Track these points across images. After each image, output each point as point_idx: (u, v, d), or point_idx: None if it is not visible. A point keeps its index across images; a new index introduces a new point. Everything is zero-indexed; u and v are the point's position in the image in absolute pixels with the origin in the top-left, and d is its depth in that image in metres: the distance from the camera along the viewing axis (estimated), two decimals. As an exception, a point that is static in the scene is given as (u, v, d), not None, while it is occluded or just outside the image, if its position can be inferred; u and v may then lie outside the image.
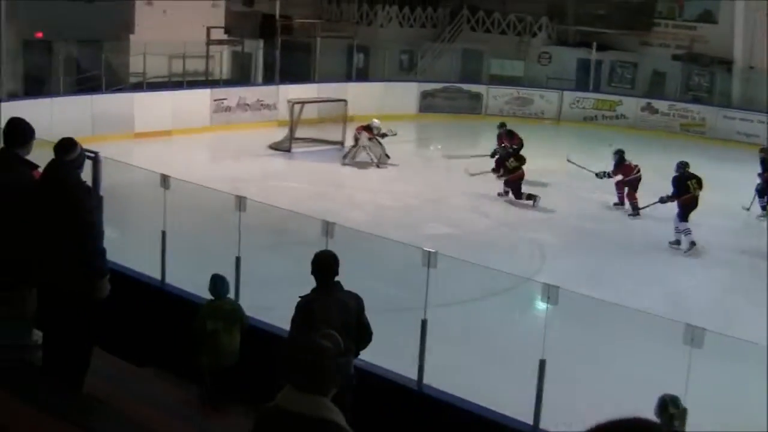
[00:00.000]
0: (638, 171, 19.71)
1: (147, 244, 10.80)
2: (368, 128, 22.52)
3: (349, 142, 23.74)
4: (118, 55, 25.73)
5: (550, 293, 7.39)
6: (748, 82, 29.97)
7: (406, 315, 9.09)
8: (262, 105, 26.56)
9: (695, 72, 31.58)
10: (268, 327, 8.93)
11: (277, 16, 29.81)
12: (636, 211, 19.18)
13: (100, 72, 24.14)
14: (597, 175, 19.88)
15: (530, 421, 7.42)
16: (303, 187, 19.59)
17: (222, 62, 28.74)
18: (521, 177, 19.69)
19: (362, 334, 6.72)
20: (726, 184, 21.18)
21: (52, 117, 19.64)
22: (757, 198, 20.02)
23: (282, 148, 23.70)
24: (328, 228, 8.40)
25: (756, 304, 13.30)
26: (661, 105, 30.46)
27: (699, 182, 17.47)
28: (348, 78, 30.29)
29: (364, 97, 27.51)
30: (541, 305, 7.78)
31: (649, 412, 6.72)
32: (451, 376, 8.70)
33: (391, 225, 16.44)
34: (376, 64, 32.47)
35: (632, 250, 16.90)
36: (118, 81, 25.49)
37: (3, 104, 20.14)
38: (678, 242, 17.04)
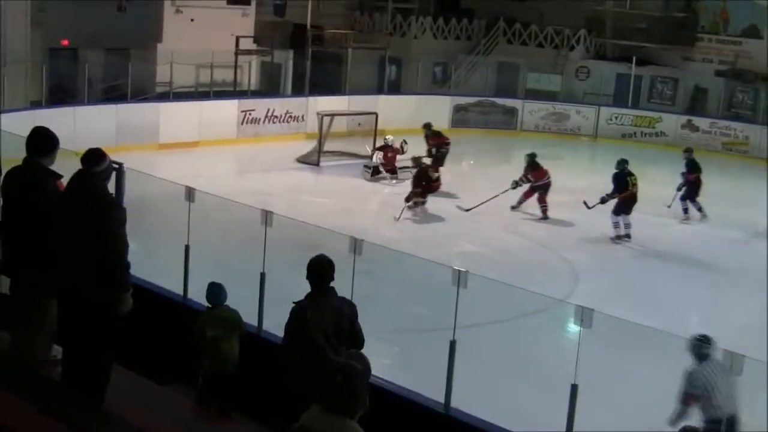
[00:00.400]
0: (548, 177, 20.20)
1: (170, 259, 10.87)
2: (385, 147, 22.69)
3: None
4: (145, 64, 25.97)
5: (584, 316, 7.37)
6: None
7: (435, 335, 9.10)
8: (290, 117, 26.67)
9: (739, 88, 31.43)
10: (266, 334, 9.00)
11: (308, 26, 29.98)
12: (545, 215, 19.73)
13: (126, 81, 24.36)
14: (513, 185, 20.31)
15: (561, 447, 7.39)
16: (331, 202, 19.65)
17: (250, 73, 28.91)
18: (437, 188, 20.03)
19: (355, 341, 6.72)
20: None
21: (76, 126, 19.86)
22: (678, 198, 20.82)
23: (310, 161, 23.79)
24: (356, 245, 8.41)
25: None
26: (702, 122, 30.32)
27: (635, 179, 18.98)
28: (379, 90, 30.40)
29: (395, 110, 27.58)
30: (574, 328, 7.74)
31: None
32: (480, 399, 8.70)
33: (421, 242, 16.45)
34: (408, 77, 32.56)
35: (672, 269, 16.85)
36: (144, 90, 25.74)
37: (26, 113, 20.38)
38: (619, 237, 18.30)
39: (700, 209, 20.60)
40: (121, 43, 25.38)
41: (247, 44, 28.91)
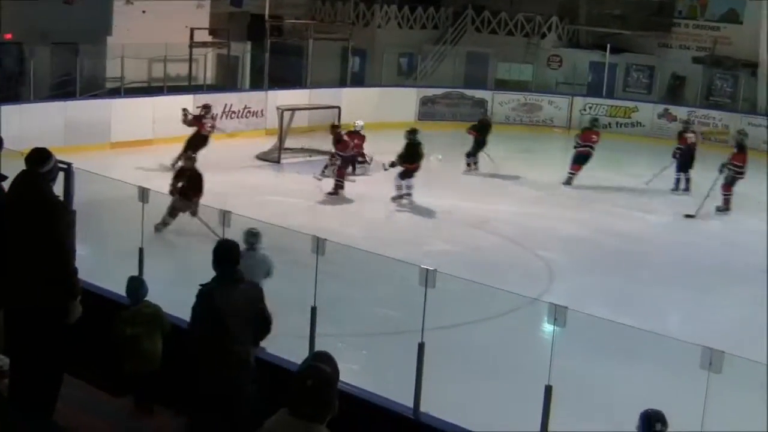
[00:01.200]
0: (354, 148, 21.28)
1: (123, 262, 10.83)
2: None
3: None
4: (95, 59, 25.83)
5: (557, 314, 7.42)
6: (776, 87, 30.10)
7: (404, 338, 9.12)
8: (249, 112, 26.63)
9: (717, 76, 31.70)
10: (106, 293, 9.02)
11: (267, 17, 29.88)
12: (336, 191, 20.60)
13: (74, 77, 24.22)
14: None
15: (536, 452, 7.44)
16: (293, 201, 19.64)
17: (206, 66, 28.81)
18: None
19: (262, 324, 7.04)
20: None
21: (22, 125, 19.71)
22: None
23: (270, 158, 23.75)
24: (318, 244, 8.43)
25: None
26: (680, 112, 30.51)
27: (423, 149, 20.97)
28: (342, 83, 30.40)
29: (359, 104, 27.59)
30: (549, 327, 7.80)
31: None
32: (451, 403, 8.73)
33: (388, 241, 16.47)
34: (372, 69, 32.59)
35: (652, 268, 16.98)
36: (94, 86, 25.59)
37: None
38: (400, 197, 20.15)
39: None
40: (69, 36, 25.19)
41: (203, 36, 28.80)
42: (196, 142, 21.16)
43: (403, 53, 33.82)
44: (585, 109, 31.17)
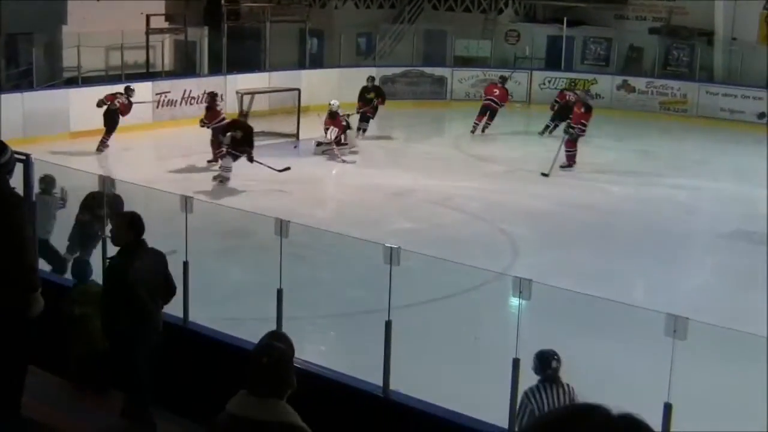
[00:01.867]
0: (223, 119, 21.54)
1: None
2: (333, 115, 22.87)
3: (306, 133, 23.86)
4: (50, 49, 25.59)
5: (522, 287, 7.46)
6: (731, 55, 30.27)
7: (372, 317, 9.15)
8: (209, 97, 26.48)
9: (674, 46, 31.83)
10: (192, 326, 9.02)
11: (223, 1, 29.72)
12: (214, 160, 21.09)
13: (30, 67, 23.99)
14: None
15: (505, 425, 7.49)
16: (256, 185, 19.58)
17: (164, 53, 28.59)
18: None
19: (169, 290, 7.64)
20: (730, 169, 21.56)
21: (-23, 118, 19.49)
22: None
23: (232, 143, 23.63)
24: (282, 226, 8.42)
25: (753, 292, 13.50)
26: (638, 83, 30.67)
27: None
28: (301, 65, 30.28)
29: (319, 85, 27.55)
30: (514, 301, 7.84)
31: (630, 409, 6.81)
32: (420, 380, 8.78)
33: (352, 222, 16.49)
34: (331, 50, 32.46)
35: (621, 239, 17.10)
36: (51, 76, 25.36)
37: None
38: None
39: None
40: (23, 26, 24.93)
41: (159, 23, 28.57)
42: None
43: (360, 33, 33.72)
44: (544, 83, 31.24)
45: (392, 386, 7.93)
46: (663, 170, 22.35)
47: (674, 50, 31.82)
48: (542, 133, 25.51)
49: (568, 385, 7.83)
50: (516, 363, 7.44)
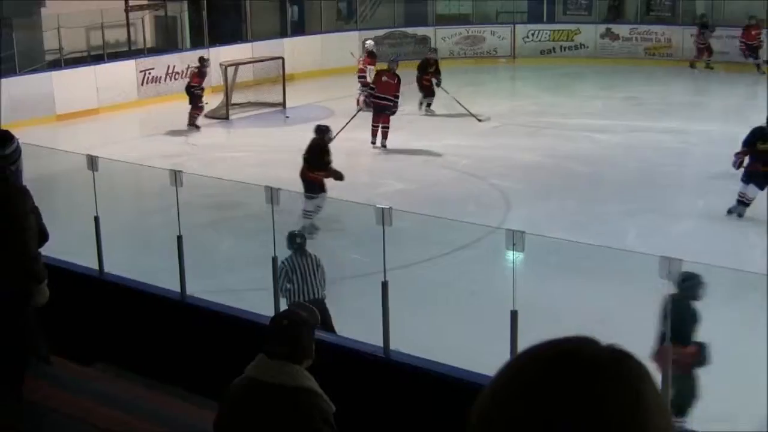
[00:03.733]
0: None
1: (81, 233, 10.77)
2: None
3: (293, 101, 23.83)
4: (30, 32, 25.43)
5: (515, 239, 7.48)
6: (713, -2, 30.22)
7: (369, 280, 9.18)
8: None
9: (656, -9, 31.73)
10: (191, 299, 9.02)
11: (201, -26, 29.53)
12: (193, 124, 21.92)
13: (12, 52, 23.85)
14: None
15: (507, 377, 7.51)
16: (247, 156, 19.55)
17: (145, 30, 28.44)
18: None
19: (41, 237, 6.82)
20: (718, 110, 21.55)
21: (-37, 106, 19.43)
22: None
23: (219, 115, 23.60)
24: (272, 195, 8.42)
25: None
26: (622, 30, 30.58)
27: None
28: (283, 34, 30.11)
29: (302, 53, 27.49)
30: (509, 254, 7.86)
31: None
32: (421, 339, 8.82)
33: (344, 187, 16.47)
34: (312, 16, 32.29)
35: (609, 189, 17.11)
36: (33, 60, 25.22)
37: None
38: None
39: None
40: (1, 11, 24.78)
41: (138, 0, 28.43)
42: None
43: (341, -3, 33.57)
44: (528, 36, 31.17)
45: (392, 346, 7.97)
46: (651, 115, 22.33)
47: (656, -6, 31.71)
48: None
49: (315, 255, 10.13)
50: (514, 315, 7.47)
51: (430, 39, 30.96)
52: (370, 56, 23.56)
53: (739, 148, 14.52)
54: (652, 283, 7.34)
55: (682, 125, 21.16)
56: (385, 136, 19.89)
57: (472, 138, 20.67)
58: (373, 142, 19.94)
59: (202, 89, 22.70)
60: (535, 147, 19.67)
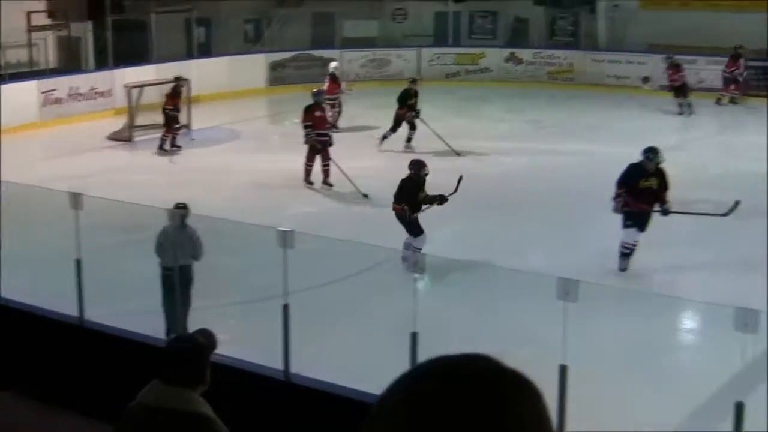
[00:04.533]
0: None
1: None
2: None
3: (198, 123, 23.68)
4: (-72, 53, 24.92)
5: (419, 263, 7.55)
6: (614, 22, 30.81)
7: (274, 303, 9.15)
8: (96, 93, 26.05)
9: (558, 15, 32.25)
10: (88, 324, 8.93)
11: (106, -6, 29.21)
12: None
13: None
14: None
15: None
16: (150, 178, 19.37)
17: (47, 50, 28.05)
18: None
19: None
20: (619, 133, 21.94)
21: None
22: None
23: (122, 137, 23.35)
24: (174, 217, 8.37)
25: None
26: (525, 54, 31.07)
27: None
28: (189, 55, 29.94)
29: (208, 75, 27.32)
30: (415, 276, 7.91)
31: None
32: (322, 361, 8.82)
33: (250, 210, 16.41)
34: (218, 38, 32.17)
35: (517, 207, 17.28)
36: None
37: None
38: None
39: None
40: None
41: (41, 19, 27.98)
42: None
43: (248, 19, 33.38)
44: (433, 59, 31.46)
45: (294, 369, 7.95)
46: (555, 138, 22.67)
47: (559, 20, 32.24)
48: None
49: (193, 228, 10.45)
50: (414, 337, 7.52)
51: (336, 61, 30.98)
52: (333, 79, 23.36)
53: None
54: (553, 303, 7.45)
55: (584, 147, 21.51)
56: (328, 173, 18.78)
57: (381, 159, 20.69)
58: (311, 182, 18.83)
59: (178, 110, 22.28)
60: (443, 168, 19.74)
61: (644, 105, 26.21)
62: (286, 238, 7.78)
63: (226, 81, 27.52)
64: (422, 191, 13.81)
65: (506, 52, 31.33)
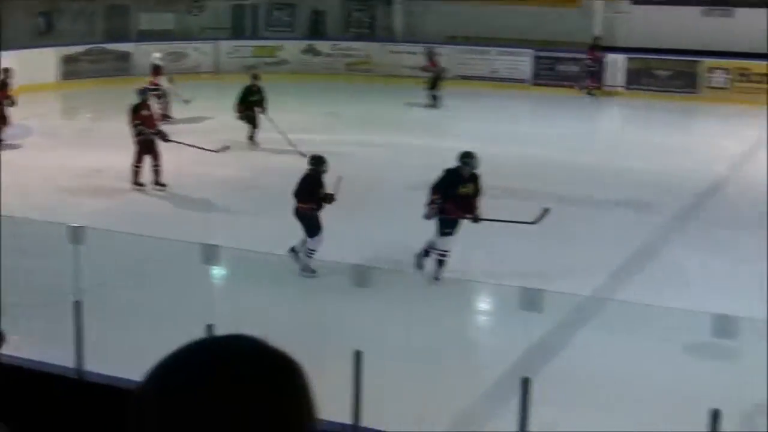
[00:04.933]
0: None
1: None
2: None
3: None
4: None
5: (210, 254, 7.53)
6: (410, 15, 31.38)
7: (67, 302, 8.95)
8: None
9: (355, 8, 32.62)
10: None
11: None
12: None
13: None
14: None
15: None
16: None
17: None
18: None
19: None
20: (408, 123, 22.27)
21: None
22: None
23: None
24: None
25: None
26: (323, 46, 31.32)
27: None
28: (-23, 49, 28.81)
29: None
30: (210, 269, 7.89)
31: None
32: (118, 356, 8.68)
33: (40, 205, 15.97)
34: (8, 30, 31.05)
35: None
36: None
37: None
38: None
39: None
40: None
41: None
42: None
43: (39, 12, 32.38)
44: (231, 52, 31.31)
45: (89, 367, 7.82)
46: (351, 130, 22.92)
47: (355, 12, 32.62)
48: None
49: None
50: (210, 328, 7.49)
51: (132, 55, 30.43)
52: (156, 70, 22.78)
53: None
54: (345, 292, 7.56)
55: (381, 138, 21.83)
56: (160, 173, 18.09)
57: (177, 154, 20.41)
58: (141, 183, 18.11)
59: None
60: (237, 163, 19.71)
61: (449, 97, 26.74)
62: (76, 234, 7.62)
63: (16, 75, 26.60)
64: (322, 188, 13.42)
65: (304, 44, 31.48)
